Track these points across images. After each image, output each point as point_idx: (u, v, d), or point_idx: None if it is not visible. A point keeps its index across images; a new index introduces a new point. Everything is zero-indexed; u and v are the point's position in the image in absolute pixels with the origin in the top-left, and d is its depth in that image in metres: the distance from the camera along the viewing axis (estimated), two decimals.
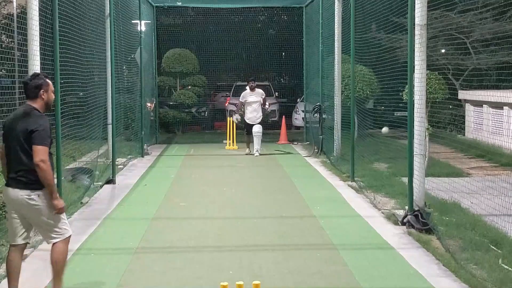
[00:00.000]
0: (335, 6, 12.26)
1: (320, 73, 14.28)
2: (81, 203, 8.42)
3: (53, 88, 4.84)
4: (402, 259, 5.95)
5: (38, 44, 7.15)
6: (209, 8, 20.20)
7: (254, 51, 21.70)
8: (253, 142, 14.17)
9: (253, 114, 14.22)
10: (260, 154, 14.07)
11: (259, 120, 14.23)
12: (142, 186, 10.22)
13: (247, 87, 14.43)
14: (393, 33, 11.45)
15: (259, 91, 14.37)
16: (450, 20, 12.68)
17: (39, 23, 7.17)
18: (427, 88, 8.48)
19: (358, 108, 11.77)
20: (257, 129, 14.07)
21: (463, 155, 12.23)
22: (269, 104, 14.16)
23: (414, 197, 7.11)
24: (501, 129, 13.16)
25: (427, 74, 7.38)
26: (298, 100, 21.22)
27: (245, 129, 14.51)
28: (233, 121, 15.51)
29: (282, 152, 14.94)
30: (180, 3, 18.69)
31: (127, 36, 13.65)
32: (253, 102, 14.21)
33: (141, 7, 15.08)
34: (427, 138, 8.65)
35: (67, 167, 9.63)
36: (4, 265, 5.63)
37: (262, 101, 14.24)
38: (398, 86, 9.60)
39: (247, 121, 14.31)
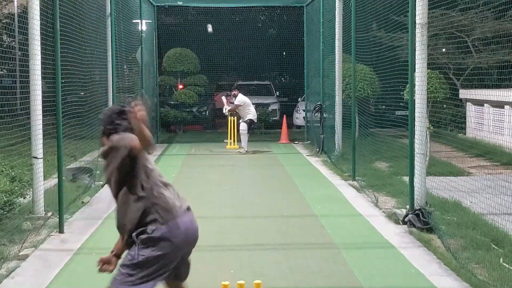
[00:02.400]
0: (336, 5, 12.26)
1: (321, 72, 14.28)
2: (82, 202, 8.42)
3: None
4: (403, 258, 5.95)
5: (39, 43, 7.16)
6: (210, 7, 20.22)
7: (255, 50, 21.70)
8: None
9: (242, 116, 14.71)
10: (261, 154, 14.12)
11: (243, 119, 14.58)
12: None
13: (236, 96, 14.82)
14: (394, 32, 11.44)
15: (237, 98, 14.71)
16: (451, 19, 12.66)
17: (40, 22, 7.18)
18: (428, 87, 8.47)
19: (359, 107, 11.77)
20: (240, 127, 14.57)
21: (464, 154, 12.21)
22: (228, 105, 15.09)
23: (415, 196, 7.11)
24: (502, 128, 13.15)
25: (428, 73, 7.38)
26: (299, 99, 21.23)
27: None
28: (233, 120, 15.54)
29: (283, 152, 14.95)
30: (181, 3, 18.68)
31: (128, 35, 13.66)
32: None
33: (142, 7, 15.09)
34: (428, 137, 8.64)
35: (68, 167, 9.64)
36: (4, 265, 5.64)
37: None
38: (399, 85, 9.59)
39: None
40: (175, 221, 3.58)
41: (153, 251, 3.52)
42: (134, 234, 3.56)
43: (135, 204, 3.56)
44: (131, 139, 3.44)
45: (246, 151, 14.34)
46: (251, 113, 14.57)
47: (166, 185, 3.70)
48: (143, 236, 3.54)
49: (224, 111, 15.19)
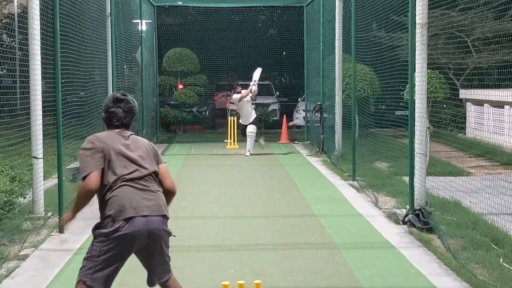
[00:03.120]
0: (336, 5, 12.26)
1: (321, 72, 14.28)
2: None
3: None
4: (403, 258, 5.95)
5: (39, 43, 7.16)
6: (210, 7, 20.23)
7: (255, 50, 21.71)
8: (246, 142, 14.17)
9: (246, 116, 14.14)
10: (261, 154, 14.09)
11: (250, 120, 14.12)
12: None
13: (236, 93, 14.19)
14: (394, 32, 11.45)
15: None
16: (451, 19, 12.67)
17: (40, 22, 7.18)
18: (428, 87, 8.47)
19: (359, 107, 11.77)
20: (250, 129, 14.05)
21: (463, 154, 12.22)
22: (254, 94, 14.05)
23: (415, 196, 7.11)
24: (502, 128, 13.15)
25: (428, 73, 7.38)
26: (299, 99, 21.24)
27: (240, 130, 14.61)
28: (233, 120, 15.49)
29: (283, 152, 14.94)
30: (181, 3, 18.69)
31: (128, 35, 13.66)
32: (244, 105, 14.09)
33: (141, 7, 15.10)
34: (428, 137, 8.64)
35: (68, 167, 9.63)
36: (4, 265, 5.65)
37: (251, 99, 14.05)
38: (399, 85, 9.60)
39: (241, 122, 14.31)
40: (126, 221, 3.70)
41: (104, 246, 3.70)
42: (92, 227, 3.82)
43: (99, 196, 3.83)
44: (87, 180, 3.74)
45: (251, 154, 14.08)
46: (254, 110, 14.37)
47: (132, 181, 3.79)
48: (96, 231, 3.78)
49: (247, 96, 13.94)
